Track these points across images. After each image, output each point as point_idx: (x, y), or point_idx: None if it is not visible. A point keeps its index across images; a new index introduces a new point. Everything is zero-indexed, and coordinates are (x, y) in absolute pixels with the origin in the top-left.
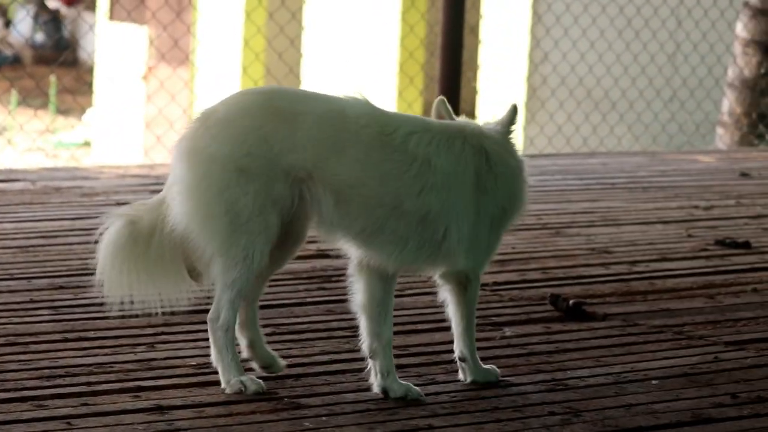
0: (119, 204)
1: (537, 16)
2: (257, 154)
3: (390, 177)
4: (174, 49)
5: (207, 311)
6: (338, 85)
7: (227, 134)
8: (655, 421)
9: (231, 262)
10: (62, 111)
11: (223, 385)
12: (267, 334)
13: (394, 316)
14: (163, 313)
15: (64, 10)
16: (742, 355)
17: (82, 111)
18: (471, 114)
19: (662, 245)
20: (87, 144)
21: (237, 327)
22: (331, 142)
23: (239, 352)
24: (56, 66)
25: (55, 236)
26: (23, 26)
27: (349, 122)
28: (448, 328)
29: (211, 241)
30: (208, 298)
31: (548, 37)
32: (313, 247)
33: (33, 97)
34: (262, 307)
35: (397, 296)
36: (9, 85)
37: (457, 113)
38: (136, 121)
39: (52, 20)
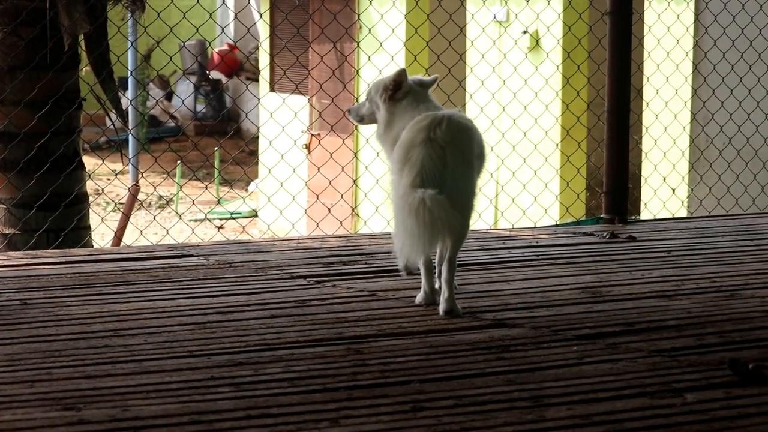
0: (293, 278)
1: (701, 77)
2: None
3: None
4: (338, 118)
5: (387, 385)
6: (504, 144)
7: None
8: None
9: None
10: (227, 182)
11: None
12: (449, 407)
13: (575, 385)
14: (345, 388)
15: (224, 80)
16: None
17: (247, 181)
18: (638, 177)
19: None
20: (254, 215)
21: None
22: None
23: None
24: (219, 137)
25: (232, 311)
26: (185, 97)
27: None
28: (630, 396)
29: None
30: (386, 372)
31: (714, 99)
32: (489, 316)
33: (197, 168)
34: (444, 379)
35: (575, 364)
36: (174, 156)
37: (625, 175)
38: (301, 190)
39: (213, 91)
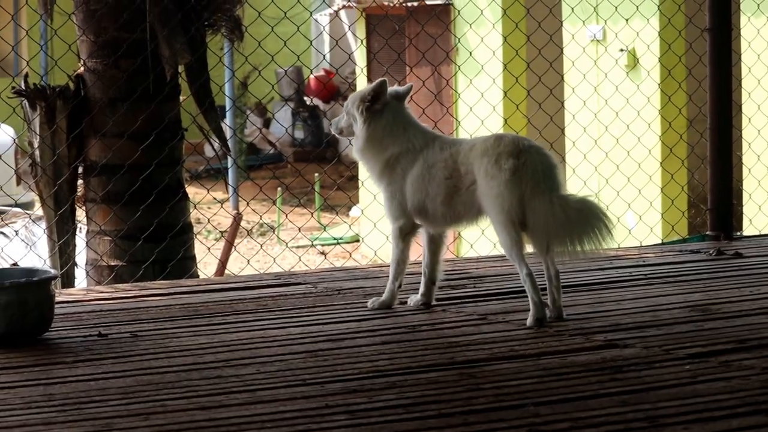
0: (402, 303)
1: None
2: None
3: None
4: None
5: (502, 409)
6: (608, 163)
7: None
8: None
9: None
10: (329, 207)
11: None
12: (565, 429)
13: (689, 404)
14: (460, 413)
15: (322, 105)
16: None
17: (349, 207)
18: (741, 193)
19: None
20: (356, 240)
21: None
22: None
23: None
24: (319, 162)
25: (343, 339)
26: (283, 124)
27: None
28: (745, 414)
29: None
30: (500, 395)
31: None
32: (601, 337)
33: (300, 195)
34: (559, 401)
35: (688, 383)
36: (274, 183)
37: (729, 191)
38: None
39: (311, 117)
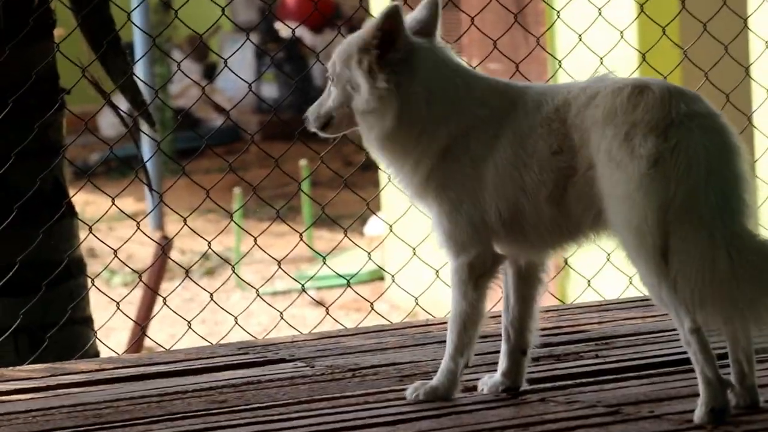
0: (469, 390)
1: None
2: None
3: None
4: None
5: None
6: None
7: None
8: None
9: None
10: (326, 221)
11: None
12: None
13: None
14: None
15: (309, 37)
16: None
17: (363, 218)
18: None
19: None
20: (378, 277)
21: None
22: None
23: None
24: (307, 141)
25: None
26: (241, 74)
27: None
28: None
29: None
30: None
31: None
32: None
33: (270, 199)
34: None
35: None
36: (229, 180)
37: None
38: None
39: (290, 58)
